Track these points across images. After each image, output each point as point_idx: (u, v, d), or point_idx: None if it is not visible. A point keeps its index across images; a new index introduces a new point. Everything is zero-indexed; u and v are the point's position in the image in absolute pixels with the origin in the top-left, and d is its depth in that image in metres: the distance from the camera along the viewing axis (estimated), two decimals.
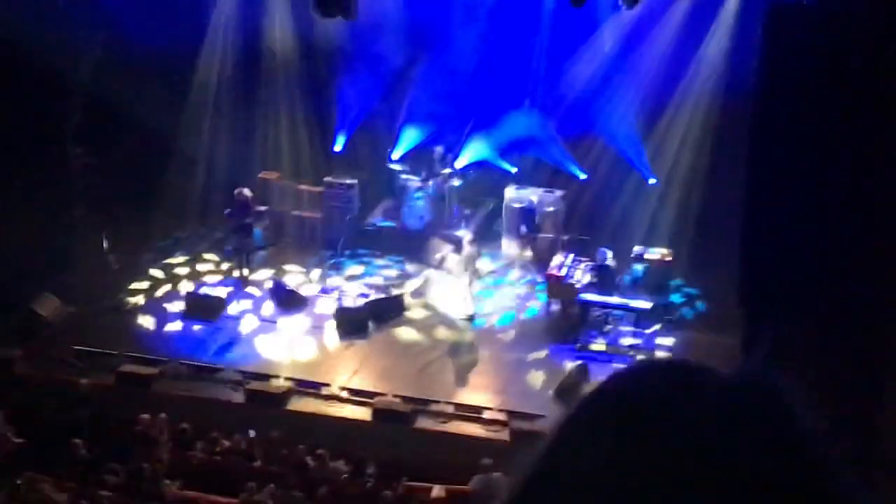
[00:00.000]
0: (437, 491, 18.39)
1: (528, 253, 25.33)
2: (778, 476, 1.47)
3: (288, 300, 23.89)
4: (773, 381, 1.57)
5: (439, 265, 24.95)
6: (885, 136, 17.39)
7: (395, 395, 20.77)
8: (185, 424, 19.57)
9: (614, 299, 23.04)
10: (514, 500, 1.55)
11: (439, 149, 26.47)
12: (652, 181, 25.90)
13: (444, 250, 24.89)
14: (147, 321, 23.45)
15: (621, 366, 1.71)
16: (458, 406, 20.54)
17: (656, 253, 23.99)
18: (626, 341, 22.59)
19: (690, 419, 1.50)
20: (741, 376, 1.58)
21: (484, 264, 25.49)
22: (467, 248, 23.85)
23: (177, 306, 23.84)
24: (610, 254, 23.50)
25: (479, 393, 21.20)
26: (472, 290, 23.93)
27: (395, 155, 26.97)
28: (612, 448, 1.50)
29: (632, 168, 25.99)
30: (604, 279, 23.26)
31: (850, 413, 15.86)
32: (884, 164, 17.48)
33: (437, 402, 20.61)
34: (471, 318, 23.63)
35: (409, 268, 25.58)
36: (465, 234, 24.29)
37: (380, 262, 26.09)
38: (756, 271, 19.08)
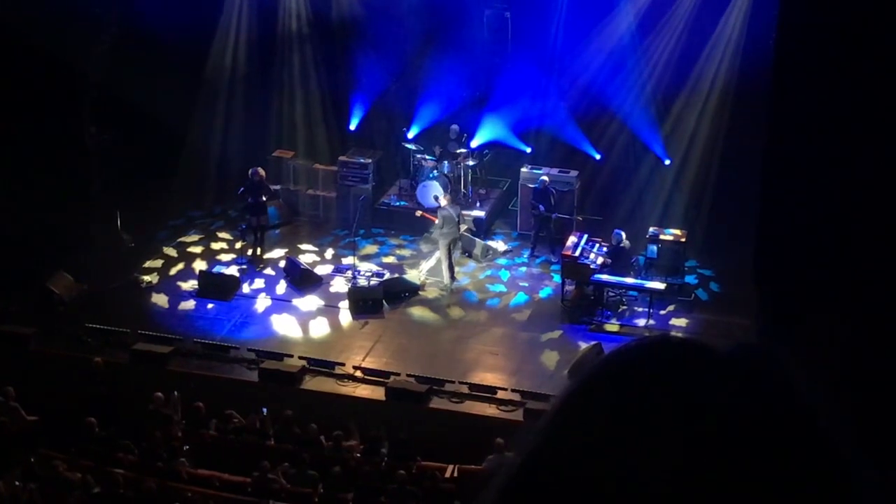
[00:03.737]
0: (451, 470, 18.41)
1: (543, 233, 25.27)
2: (778, 447, 1.45)
3: (302, 279, 23.89)
4: (774, 355, 1.55)
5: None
6: None
7: (409, 375, 20.79)
8: (200, 403, 19.61)
9: (629, 280, 23.04)
10: (517, 473, 1.54)
11: (454, 128, 26.44)
12: (667, 162, 25.89)
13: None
14: (161, 299, 23.49)
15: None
16: (473, 386, 20.54)
17: (671, 234, 23.93)
18: (641, 322, 22.59)
19: (691, 393, 1.49)
20: (742, 350, 1.56)
21: (498, 244, 25.57)
22: (444, 213, 23.89)
23: (191, 285, 23.87)
24: (624, 234, 23.47)
25: (493, 373, 21.21)
26: (450, 256, 24.03)
27: (411, 134, 26.95)
28: (613, 422, 1.49)
29: (647, 149, 25.98)
30: (618, 260, 23.25)
31: (863, 394, 15.82)
32: None
33: (452, 381, 20.61)
34: (447, 286, 23.90)
35: (424, 247, 25.55)
36: (441, 200, 24.33)
37: (394, 241, 26.07)
38: (771, 252, 19.01)
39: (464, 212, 25.38)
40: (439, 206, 24.17)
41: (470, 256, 25.06)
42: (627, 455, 1.44)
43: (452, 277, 24.00)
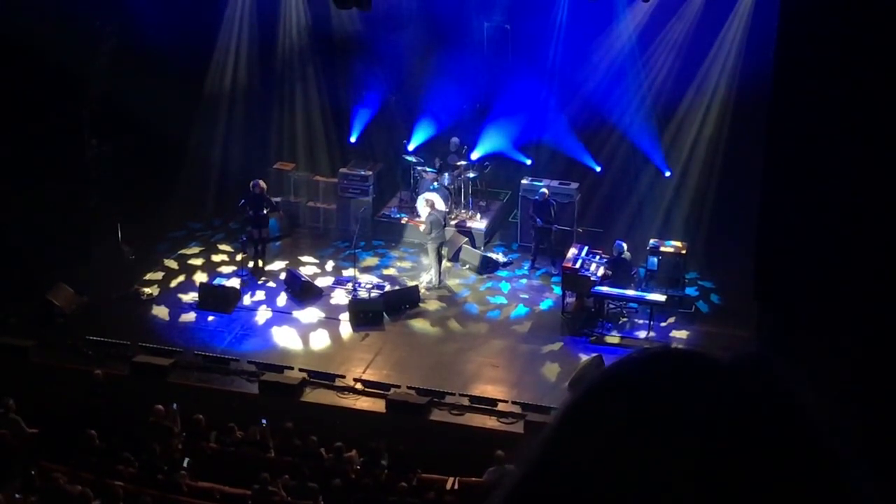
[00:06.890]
0: (452, 483, 18.38)
1: (544, 245, 25.27)
2: (779, 457, 1.46)
3: (303, 291, 23.87)
4: (773, 365, 1.56)
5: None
6: None
7: (410, 387, 20.77)
8: (200, 415, 19.58)
9: (629, 292, 23.02)
10: (519, 485, 1.54)
11: (455, 140, 26.45)
12: (667, 174, 25.89)
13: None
14: (161, 312, 23.46)
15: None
16: (473, 398, 20.51)
17: (671, 246, 23.92)
18: (641, 334, 22.57)
19: (692, 404, 1.50)
20: (740, 361, 1.56)
21: (499, 256, 25.60)
22: (431, 218, 24.10)
23: (191, 297, 23.85)
24: (625, 246, 23.47)
25: (493, 385, 21.19)
26: (440, 259, 24.29)
27: (411, 146, 26.96)
28: (616, 433, 1.49)
29: (647, 160, 25.98)
30: (619, 272, 23.24)
31: (866, 406, 15.79)
32: None
33: (452, 394, 20.59)
34: (434, 286, 24.21)
35: (424, 259, 25.55)
36: (427, 206, 24.57)
37: (394, 253, 26.08)
38: (771, 264, 18.98)
39: (469, 224, 25.60)
40: (428, 212, 24.32)
41: (453, 260, 25.15)
42: (630, 465, 1.45)
43: (441, 279, 24.18)
